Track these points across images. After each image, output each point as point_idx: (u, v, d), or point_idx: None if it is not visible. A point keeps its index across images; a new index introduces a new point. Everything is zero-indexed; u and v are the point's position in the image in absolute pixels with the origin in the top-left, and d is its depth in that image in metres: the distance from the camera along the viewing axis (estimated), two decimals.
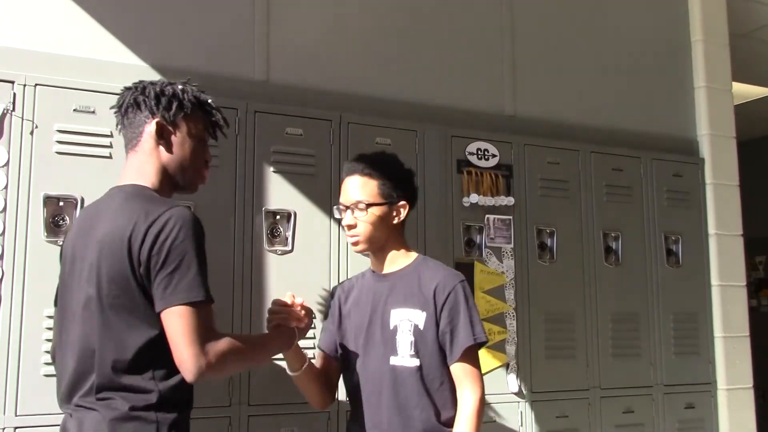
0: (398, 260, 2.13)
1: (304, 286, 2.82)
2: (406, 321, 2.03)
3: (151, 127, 1.82)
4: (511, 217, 3.42)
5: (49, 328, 2.55)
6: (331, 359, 2.23)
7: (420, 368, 2.01)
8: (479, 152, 3.40)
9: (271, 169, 2.95)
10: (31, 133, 2.61)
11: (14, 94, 2.60)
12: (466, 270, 3.28)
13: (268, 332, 1.99)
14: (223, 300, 2.69)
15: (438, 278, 2.06)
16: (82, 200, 2.64)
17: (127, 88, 1.89)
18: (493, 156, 3.43)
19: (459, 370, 2.04)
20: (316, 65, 3.27)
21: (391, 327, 2.04)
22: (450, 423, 2.03)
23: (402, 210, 2.12)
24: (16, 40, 2.77)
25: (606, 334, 3.59)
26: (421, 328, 2.02)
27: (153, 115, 1.82)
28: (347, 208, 2.09)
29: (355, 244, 2.10)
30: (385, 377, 2.03)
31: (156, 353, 1.68)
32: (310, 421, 2.80)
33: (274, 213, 2.93)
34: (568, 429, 3.43)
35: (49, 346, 2.54)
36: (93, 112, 2.71)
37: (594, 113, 3.91)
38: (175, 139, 1.85)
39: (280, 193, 2.94)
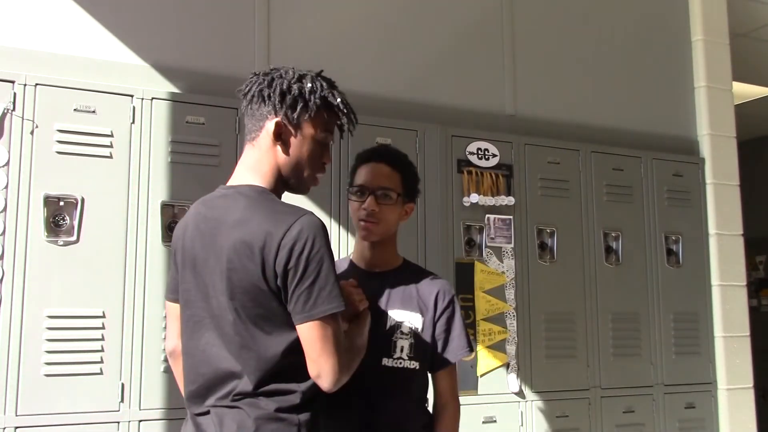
0: (390, 260, 2.07)
1: None
2: (407, 324, 1.99)
3: (271, 125, 1.72)
4: (511, 217, 3.42)
5: (50, 328, 2.56)
6: None
7: (415, 371, 1.97)
8: (479, 152, 3.40)
9: None
10: (32, 132, 2.61)
11: (14, 94, 2.60)
12: (467, 270, 3.29)
13: (356, 320, 1.89)
14: None
15: (438, 286, 2.04)
16: (83, 200, 2.64)
17: (255, 74, 1.79)
18: (494, 156, 3.43)
19: (445, 379, 2.03)
20: (316, 64, 3.25)
21: (387, 327, 1.98)
22: (427, 426, 2.01)
23: (409, 212, 2.07)
24: (16, 40, 2.77)
25: (606, 334, 3.59)
26: (420, 332, 1.98)
27: (275, 112, 1.72)
28: (371, 192, 1.97)
29: (371, 231, 1.98)
30: (376, 378, 1.95)
31: (296, 356, 1.65)
32: None
33: None
34: (568, 429, 3.43)
35: (49, 345, 2.55)
36: (93, 111, 2.71)
37: (594, 113, 3.91)
38: (294, 141, 1.74)
39: None
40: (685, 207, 3.95)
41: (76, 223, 2.63)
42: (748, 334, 4.02)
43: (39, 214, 2.59)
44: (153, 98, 2.81)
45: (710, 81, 4.18)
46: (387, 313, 1.99)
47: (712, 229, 4.00)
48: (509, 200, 3.41)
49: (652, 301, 3.75)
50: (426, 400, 2.03)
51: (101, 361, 2.60)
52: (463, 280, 3.27)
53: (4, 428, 2.45)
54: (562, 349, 3.48)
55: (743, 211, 4.13)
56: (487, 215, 3.37)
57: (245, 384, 1.65)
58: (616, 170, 3.77)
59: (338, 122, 1.82)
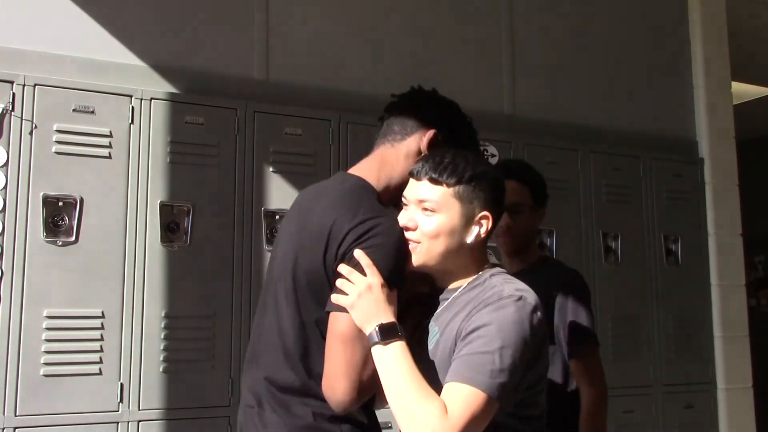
0: (529, 260, 2.30)
1: None
2: None
3: (426, 135, 1.71)
4: None
5: (49, 328, 2.56)
6: None
7: None
8: None
9: (270, 168, 2.96)
10: (31, 133, 2.62)
11: (13, 94, 2.60)
12: None
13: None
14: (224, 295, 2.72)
15: None
16: (82, 200, 2.65)
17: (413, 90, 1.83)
18: (492, 156, 3.43)
19: None
20: (316, 65, 3.27)
21: None
22: None
23: (542, 217, 2.31)
24: (16, 40, 2.77)
25: (605, 334, 3.58)
26: None
27: (435, 125, 1.74)
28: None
29: (505, 243, 2.26)
30: None
31: None
32: None
33: (273, 213, 2.93)
34: None
35: (48, 345, 2.56)
36: (92, 112, 2.71)
37: (593, 113, 3.91)
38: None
39: (279, 192, 2.95)
40: (685, 207, 3.95)
41: (75, 223, 2.64)
42: (747, 333, 4.02)
43: (38, 214, 2.59)
44: (152, 98, 2.81)
45: (710, 81, 4.18)
46: None
47: (711, 229, 4.00)
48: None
49: (651, 301, 3.75)
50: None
51: (100, 362, 2.61)
52: None
53: (4, 428, 2.46)
54: None
55: (742, 210, 4.13)
56: None
57: (287, 376, 1.54)
58: (615, 170, 3.76)
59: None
